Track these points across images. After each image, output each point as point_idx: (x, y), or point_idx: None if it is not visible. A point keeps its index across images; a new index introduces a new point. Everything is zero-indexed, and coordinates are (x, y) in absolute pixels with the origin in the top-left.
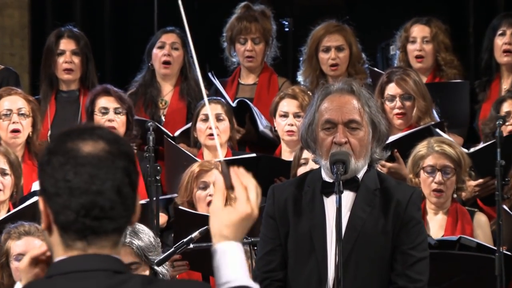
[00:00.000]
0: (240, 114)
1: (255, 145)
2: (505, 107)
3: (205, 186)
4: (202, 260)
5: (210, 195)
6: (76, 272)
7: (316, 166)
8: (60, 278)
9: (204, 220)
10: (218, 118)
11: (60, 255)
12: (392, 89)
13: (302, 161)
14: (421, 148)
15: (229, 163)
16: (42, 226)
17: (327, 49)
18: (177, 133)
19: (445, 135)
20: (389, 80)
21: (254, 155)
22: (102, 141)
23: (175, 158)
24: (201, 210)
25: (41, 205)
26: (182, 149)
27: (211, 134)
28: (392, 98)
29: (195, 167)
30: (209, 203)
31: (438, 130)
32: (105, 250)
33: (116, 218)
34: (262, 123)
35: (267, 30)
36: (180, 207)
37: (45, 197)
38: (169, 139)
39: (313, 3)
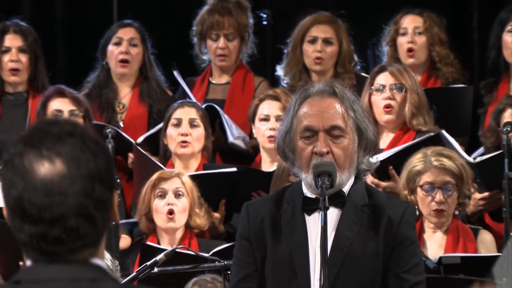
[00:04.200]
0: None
1: (227, 155)
2: (506, 118)
3: (163, 194)
4: (168, 286)
5: (169, 204)
6: (47, 282)
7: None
8: (30, 285)
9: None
10: (192, 124)
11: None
12: (382, 78)
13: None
14: (416, 162)
15: (206, 179)
16: None
17: (313, 40)
18: (140, 140)
19: (454, 142)
20: (381, 70)
21: (235, 169)
22: (60, 161)
23: (146, 170)
24: (159, 222)
25: (5, 212)
26: (155, 160)
27: (184, 141)
28: (382, 88)
29: (154, 176)
30: (167, 213)
31: (447, 135)
32: (75, 265)
33: (82, 237)
34: (232, 134)
35: (242, 25)
36: (147, 242)
37: (6, 208)
38: (138, 148)
39: None
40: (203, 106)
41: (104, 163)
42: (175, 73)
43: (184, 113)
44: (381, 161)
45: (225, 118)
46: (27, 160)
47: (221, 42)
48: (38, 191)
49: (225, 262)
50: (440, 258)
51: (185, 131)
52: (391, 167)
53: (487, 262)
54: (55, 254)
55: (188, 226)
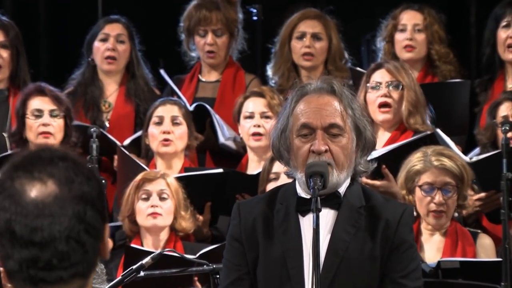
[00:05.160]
0: (199, 118)
1: (217, 155)
2: (502, 111)
3: (147, 196)
4: None
5: (152, 206)
6: None
7: (289, 181)
8: None
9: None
10: (174, 122)
11: None
12: (379, 75)
13: (272, 175)
14: (415, 161)
15: (189, 180)
16: None
17: (302, 36)
18: (126, 142)
19: (450, 142)
20: (377, 67)
21: (221, 170)
22: (52, 182)
23: (130, 171)
24: (142, 221)
25: None
26: (138, 161)
27: (166, 140)
28: (378, 85)
29: (138, 177)
30: (149, 214)
31: (442, 134)
32: None
33: (72, 266)
34: (224, 134)
35: (231, 20)
36: (131, 245)
37: None
38: (122, 148)
39: None
40: (193, 105)
41: (97, 188)
42: (162, 71)
43: (166, 110)
44: (374, 159)
45: (216, 118)
46: (18, 183)
47: (209, 38)
48: (30, 212)
49: (214, 266)
50: (439, 262)
51: (167, 129)
52: (384, 166)
53: (487, 267)
54: (44, 282)
55: (173, 229)
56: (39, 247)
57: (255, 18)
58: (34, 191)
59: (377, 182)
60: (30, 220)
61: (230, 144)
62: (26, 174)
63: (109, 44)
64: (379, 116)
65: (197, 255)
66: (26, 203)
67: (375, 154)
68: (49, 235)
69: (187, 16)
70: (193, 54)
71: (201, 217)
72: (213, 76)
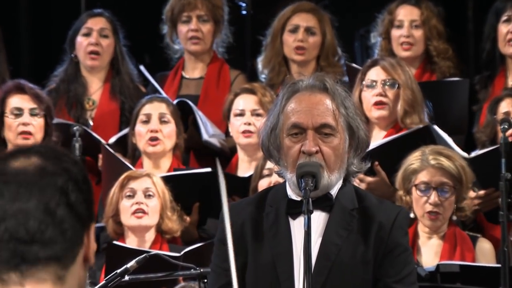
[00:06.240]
0: (181, 116)
1: (202, 154)
2: (503, 108)
3: (132, 194)
4: None
5: (137, 203)
6: None
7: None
8: None
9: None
10: (161, 120)
11: None
12: (374, 73)
13: (265, 171)
14: (413, 160)
15: (177, 180)
16: None
17: (295, 29)
18: (112, 140)
19: (446, 137)
20: (372, 65)
21: (209, 169)
22: (37, 156)
23: (115, 171)
24: (126, 220)
25: None
26: (124, 160)
27: (154, 139)
28: (373, 83)
29: (122, 176)
30: (134, 213)
31: (438, 130)
32: (45, 285)
33: (49, 243)
34: (207, 131)
35: (216, 6)
36: (114, 242)
37: None
38: (107, 146)
39: None
40: (176, 101)
41: (82, 173)
42: (142, 68)
43: (154, 108)
44: (367, 158)
45: (199, 114)
46: (2, 162)
47: (194, 23)
48: (11, 183)
49: (201, 270)
50: (438, 265)
51: (155, 127)
52: (376, 162)
53: (487, 272)
54: (23, 260)
55: (159, 230)
56: (17, 214)
57: (244, 12)
58: (17, 163)
59: (368, 178)
60: (11, 188)
61: (214, 141)
62: (12, 155)
63: (92, 39)
64: (374, 112)
65: (182, 252)
66: (8, 173)
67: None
68: (28, 202)
69: (170, 5)
70: (176, 47)
71: (188, 218)
72: (196, 73)
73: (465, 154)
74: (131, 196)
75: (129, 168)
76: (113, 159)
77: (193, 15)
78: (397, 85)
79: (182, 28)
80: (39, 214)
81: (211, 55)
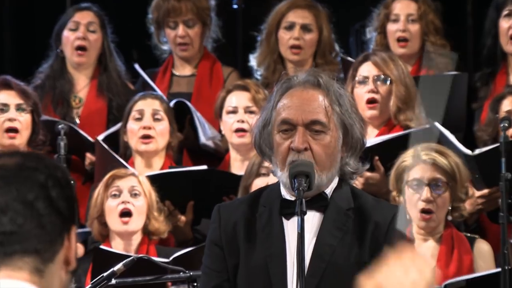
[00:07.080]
0: (178, 116)
1: (196, 154)
2: (505, 106)
3: (118, 193)
4: None
5: (123, 202)
6: None
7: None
8: None
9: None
10: (154, 117)
11: None
12: (365, 69)
13: (263, 170)
14: (405, 157)
15: (171, 177)
16: None
17: (291, 26)
18: (100, 137)
19: (450, 135)
20: (364, 60)
21: (205, 167)
22: (20, 156)
23: (110, 167)
24: (112, 224)
25: None
26: (119, 158)
27: (146, 137)
28: (364, 80)
29: (107, 176)
30: (121, 214)
31: (441, 129)
32: (22, 274)
33: (26, 236)
34: (205, 133)
35: (202, 8)
36: (101, 246)
37: None
38: (101, 143)
39: None
40: (173, 101)
41: (66, 176)
42: (137, 66)
43: (147, 104)
44: (365, 150)
45: (198, 116)
46: None
47: (180, 30)
48: None
49: (191, 273)
50: (445, 286)
51: (147, 124)
52: (376, 157)
53: (493, 281)
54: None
55: (146, 232)
56: None
57: (235, 6)
58: (0, 161)
59: (367, 173)
60: None
61: (210, 144)
62: None
63: (79, 33)
64: (366, 112)
65: (170, 258)
66: None
67: (368, 143)
68: (6, 194)
69: (155, 7)
70: (165, 47)
71: (183, 217)
72: (187, 70)
73: (468, 152)
74: (116, 196)
75: (124, 166)
76: (107, 156)
77: (179, 20)
78: (389, 81)
79: (170, 32)
80: (16, 205)
81: (201, 52)
